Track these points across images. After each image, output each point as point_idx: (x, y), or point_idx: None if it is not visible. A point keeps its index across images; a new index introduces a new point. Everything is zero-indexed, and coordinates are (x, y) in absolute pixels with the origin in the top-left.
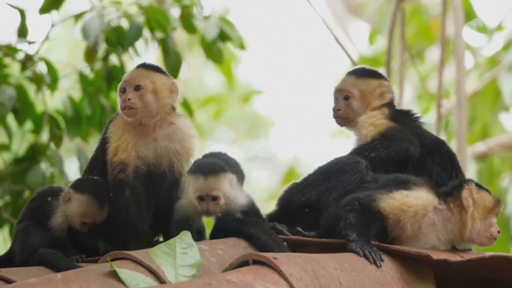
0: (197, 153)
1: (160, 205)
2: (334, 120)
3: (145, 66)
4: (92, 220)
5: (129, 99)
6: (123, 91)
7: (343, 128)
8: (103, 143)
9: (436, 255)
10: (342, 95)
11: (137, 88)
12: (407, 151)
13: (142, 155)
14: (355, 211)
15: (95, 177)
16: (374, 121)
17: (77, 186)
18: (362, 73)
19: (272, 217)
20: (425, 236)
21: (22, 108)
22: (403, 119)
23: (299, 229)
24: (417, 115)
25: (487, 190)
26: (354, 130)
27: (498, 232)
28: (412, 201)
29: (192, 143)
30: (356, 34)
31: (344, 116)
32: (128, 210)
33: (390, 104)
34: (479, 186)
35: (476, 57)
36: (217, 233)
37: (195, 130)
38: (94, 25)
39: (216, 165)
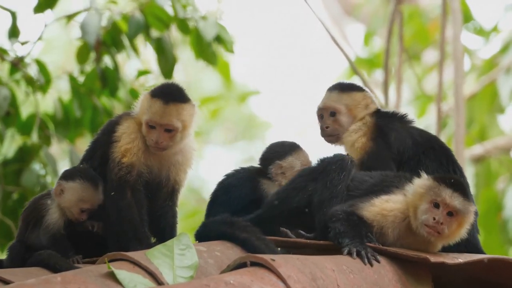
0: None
1: (154, 212)
2: (323, 138)
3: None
4: (90, 204)
5: None
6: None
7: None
8: (108, 142)
9: (433, 258)
10: (327, 112)
11: None
12: (390, 165)
13: (148, 162)
14: (341, 220)
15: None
16: (354, 141)
17: (66, 175)
18: (344, 88)
19: (258, 220)
20: (407, 240)
21: (12, 110)
22: (389, 122)
23: (300, 231)
24: (403, 115)
25: (434, 178)
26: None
27: (434, 219)
28: (391, 205)
29: (192, 154)
30: (353, 36)
31: (334, 132)
32: (130, 211)
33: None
34: (432, 175)
35: (473, 59)
36: (205, 236)
37: (195, 142)
38: (93, 22)
39: None
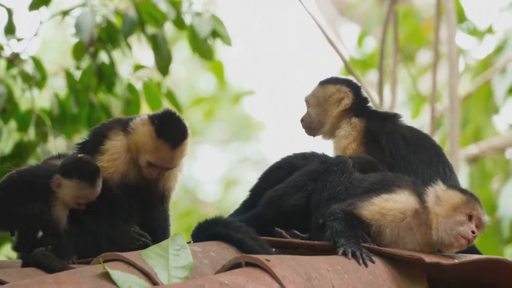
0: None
1: (146, 216)
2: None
3: None
4: (86, 200)
5: None
6: None
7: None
8: (93, 150)
9: (428, 258)
10: (306, 105)
11: None
12: (384, 169)
13: (127, 180)
14: (339, 219)
15: (80, 155)
16: (345, 147)
17: (64, 170)
18: (324, 81)
19: (257, 218)
20: (403, 241)
21: (8, 106)
22: (381, 124)
23: (295, 231)
24: (393, 115)
25: (461, 191)
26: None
27: (473, 233)
28: (391, 205)
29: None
30: (347, 36)
31: (306, 125)
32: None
33: (364, 112)
34: (451, 187)
35: (466, 59)
36: (200, 236)
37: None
38: (87, 20)
39: None
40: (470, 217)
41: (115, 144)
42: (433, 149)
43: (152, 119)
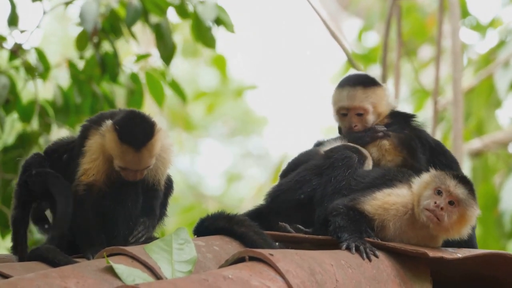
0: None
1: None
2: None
3: None
4: None
5: None
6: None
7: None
8: (79, 153)
9: (432, 253)
10: (353, 111)
11: None
12: None
13: (112, 178)
14: (342, 214)
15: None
16: (379, 158)
17: None
18: (366, 84)
19: (261, 212)
20: (407, 235)
21: (11, 97)
22: (404, 124)
23: (299, 226)
24: (414, 115)
25: (445, 171)
26: None
27: (435, 203)
28: (393, 199)
29: (170, 153)
30: (349, 31)
31: (359, 129)
32: (84, 220)
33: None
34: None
35: (468, 54)
36: (203, 230)
37: (170, 139)
38: (91, 9)
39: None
40: (439, 192)
41: (92, 144)
42: (450, 155)
43: (114, 124)
